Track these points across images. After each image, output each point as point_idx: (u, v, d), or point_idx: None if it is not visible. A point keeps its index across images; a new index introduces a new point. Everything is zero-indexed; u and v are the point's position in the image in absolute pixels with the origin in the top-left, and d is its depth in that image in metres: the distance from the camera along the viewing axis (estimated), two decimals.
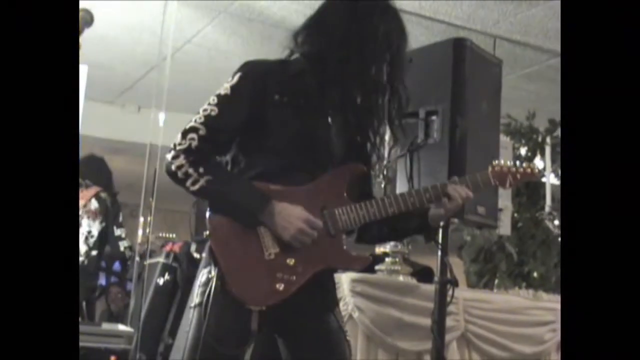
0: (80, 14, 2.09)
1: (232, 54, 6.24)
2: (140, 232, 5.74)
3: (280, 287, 2.08)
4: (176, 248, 5.03)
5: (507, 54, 5.75)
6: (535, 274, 5.00)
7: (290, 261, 2.10)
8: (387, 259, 3.57)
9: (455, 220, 2.94)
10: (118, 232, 5.37)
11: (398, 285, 3.47)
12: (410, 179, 2.92)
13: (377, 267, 3.57)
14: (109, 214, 5.35)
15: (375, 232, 2.33)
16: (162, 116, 5.09)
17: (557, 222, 4.66)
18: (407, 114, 2.94)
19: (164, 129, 4.91)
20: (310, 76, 2.18)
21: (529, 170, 2.39)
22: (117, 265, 9.30)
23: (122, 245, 5.37)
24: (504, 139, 4.84)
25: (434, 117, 2.93)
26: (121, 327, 4.30)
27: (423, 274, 3.62)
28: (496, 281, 4.91)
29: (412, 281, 3.53)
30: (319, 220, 2.12)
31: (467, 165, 2.87)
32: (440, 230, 2.83)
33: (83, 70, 3.53)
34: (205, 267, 2.15)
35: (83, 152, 4.90)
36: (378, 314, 3.35)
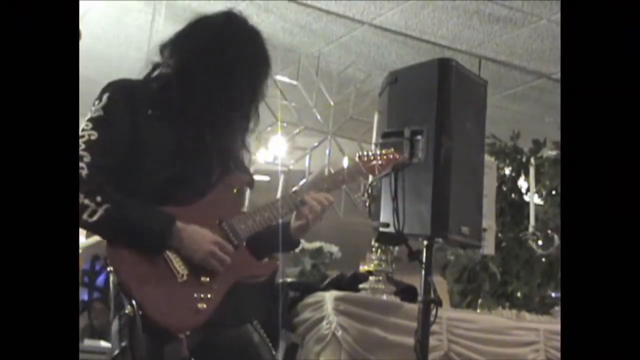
0: None
1: None
2: None
3: (202, 306, 2.03)
4: None
5: (492, 75, 5.81)
6: (518, 294, 5.01)
7: (205, 279, 2.06)
8: (371, 278, 3.57)
9: (440, 239, 2.95)
10: None
11: (381, 304, 3.47)
12: (394, 197, 2.92)
13: (360, 286, 3.56)
14: None
15: (256, 245, 2.25)
16: None
17: (540, 242, 4.68)
18: (392, 133, 2.97)
19: None
20: (176, 90, 2.14)
21: (391, 155, 2.50)
22: (100, 281, 9.25)
23: None
24: (489, 159, 4.86)
25: (419, 137, 2.93)
26: (103, 343, 4.27)
27: (407, 293, 3.61)
28: (479, 301, 4.91)
29: (396, 300, 3.53)
30: (229, 245, 2.10)
31: (451, 184, 2.88)
32: (424, 250, 2.84)
33: None
34: (117, 310, 2.05)
35: None
36: (361, 332, 3.34)
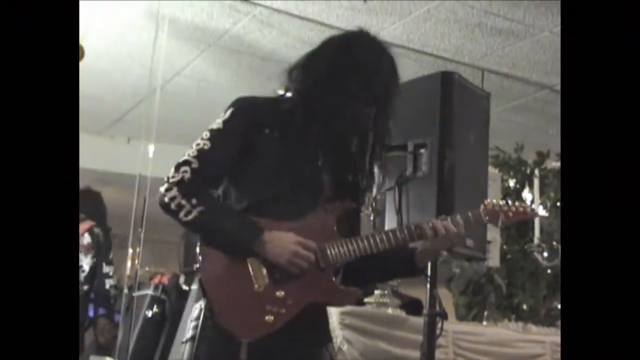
0: None
1: (221, 86, 6.27)
2: (129, 263, 5.71)
3: (270, 319, 2.07)
4: (165, 280, 5.00)
5: (495, 87, 5.80)
6: (524, 306, 5.00)
7: (280, 294, 2.10)
8: (376, 292, 3.57)
9: (444, 252, 2.94)
10: (106, 269, 5.35)
11: (387, 318, 3.47)
12: (399, 211, 2.93)
13: (366, 300, 3.57)
14: (100, 250, 5.33)
15: (360, 273, 2.30)
16: (151, 148, 5.09)
17: (545, 254, 4.68)
18: (396, 146, 2.97)
19: (154, 160, 4.92)
20: (300, 113, 2.20)
21: (521, 209, 2.39)
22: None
23: (108, 283, 5.35)
24: (493, 171, 4.86)
25: (422, 150, 2.94)
26: (109, 359, 4.27)
27: (412, 306, 3.61)
28: (485, 313, 4.90)
29: (401, 314, 3.53)
30: (312, 242, 2.12)
31: (455, 197, 2.88)
32: (429, 263, 2.83)
33: None
34: (196, 301, 2.17)
35: None
36: (367, 346, 3.34)
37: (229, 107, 2.23)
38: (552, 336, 3.90)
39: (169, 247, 7.39)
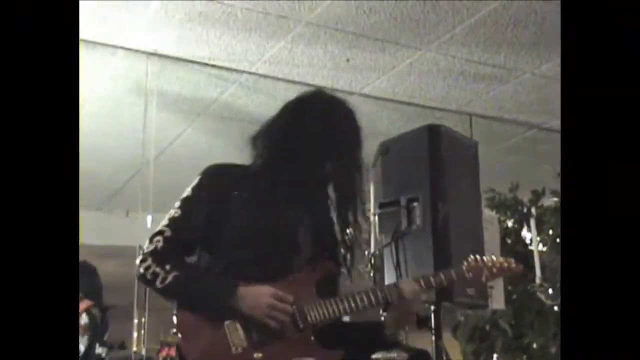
0: None
1: (214, 152, 6.33)
2: (135, 334, 5.68)
3: None
4: (172, 353, 4.97)
5: (484, 130, 5.88)
6: (534, 346, 4.97)
7: (258, 356, 2.09)
8: None
9: (447, 304, 2.96)
10: (99, 350, 5.29)
11: None
12: (397, 266, 2.95)
13: (373, 357, 3.55)
14: (96, 331, 5.29)
15: (336, 336, 2.27)
16: (149, 218, 5.13)
17: (550, 291, 4.67)
18: (389, 202, 3.02)
19: (152, 230, 4.94)
20: (265, 178, 2.25)
21: (505, 265, 2.43)
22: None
23: None
24: (489, 214, 4.89)
25: (415, 204, 2.97)
26: None
27: (420, 358, 3.59)
28: (495, 356, 4.88)
29: None
30: (289, 296, 2.13)
31: (452, 247, 2.90)
32: (432, 315, 2.85)
33: None
34: None
35: None
36: None
37: (198, 176, 2.29)
38: None
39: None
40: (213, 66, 5.08)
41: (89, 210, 7.39)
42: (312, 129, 2.28)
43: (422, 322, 2.90)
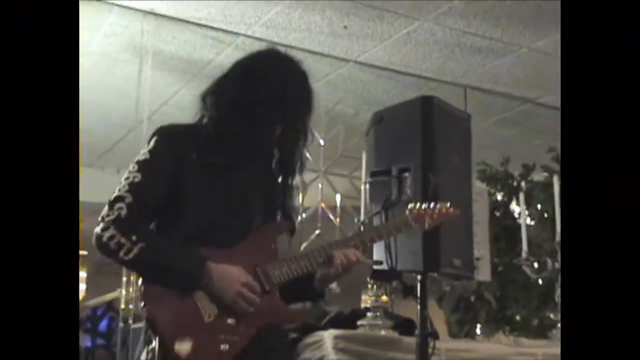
0: None
1: None
2: (123, 292, 5.72)
3: (225, 348, 2.08)
4: None
5: (478, 102, 5.89)
6: (517, 318, 5.03)
7: (231, 321, 2.10)
8: (369, 314, 3.60)
9: (435, 274, 2.99)
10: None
11: (380, 339, 3.49)
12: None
13: (359, 323, 3.60)
14: None
15: (291, 292, 2.28)
16: None
17: (536, 266, 4.71)
18: (380, 171, 3.03)
19: None
20: (214, 138, 2.20)
21: (444, 210, 2.51)
22: (103, 326, 9.15)
23: None
24: (480, 186, 4.92)
25: (406, 174, 2.98)
26: None
27: (404, 326, 3.64)
28: (479, 327, 4.93)
29: (394, 335, 3.56)
30: (257, 284, 2.13)
31: None
32: (418, 285, 2.88)
33: None
34: (147, 344, 2.15)
35: None
36: None
37: (152, 136, 2.21)
38: (544, 348, 3.93)
39: None
40: (209, 27, 5.06)
41: (80, 167, 7.38)
42: (263, 90, 2.22)
43: (407, 291, 2.94)
